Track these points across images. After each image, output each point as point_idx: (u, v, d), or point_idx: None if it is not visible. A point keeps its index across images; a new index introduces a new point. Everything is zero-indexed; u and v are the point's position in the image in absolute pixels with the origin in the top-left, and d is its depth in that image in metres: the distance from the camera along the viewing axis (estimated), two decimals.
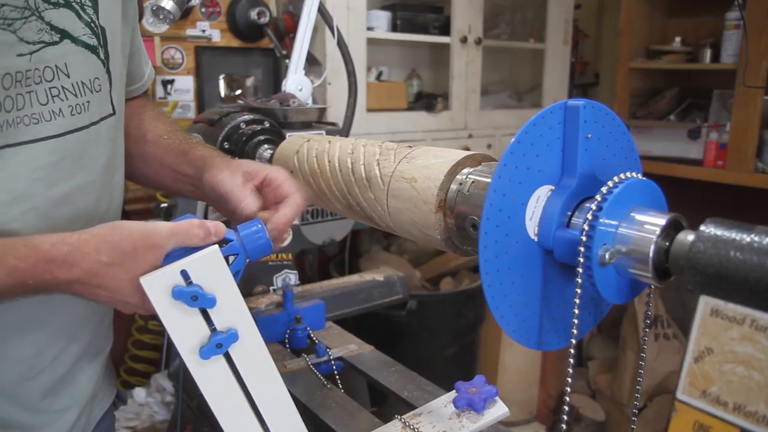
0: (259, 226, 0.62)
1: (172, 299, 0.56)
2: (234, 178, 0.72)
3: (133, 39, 0.79)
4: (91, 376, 0.77)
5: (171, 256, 0.58)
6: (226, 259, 0.60)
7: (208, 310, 0.58)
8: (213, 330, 0.59)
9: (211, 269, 0.58)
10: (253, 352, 0.61)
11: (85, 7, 0.65)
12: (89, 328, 0.75)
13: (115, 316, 0.82)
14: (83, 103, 0.66)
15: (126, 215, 0.66)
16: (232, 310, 0.59)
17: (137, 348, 2.08)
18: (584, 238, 0.52)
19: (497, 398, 0.83)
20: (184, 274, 0.56)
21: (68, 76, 0.64)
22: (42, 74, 0.61)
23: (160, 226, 0.58)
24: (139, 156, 0.84)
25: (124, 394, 0.91)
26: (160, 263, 0.57)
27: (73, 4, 0.64)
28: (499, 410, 0.81)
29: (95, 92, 0.68)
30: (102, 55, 0.68)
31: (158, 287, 0.56)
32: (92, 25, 0.66)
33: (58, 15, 0.62)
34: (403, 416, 0.80)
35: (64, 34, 0.63)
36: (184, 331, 0.58)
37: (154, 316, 0.58)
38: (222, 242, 0.60)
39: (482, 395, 0.81)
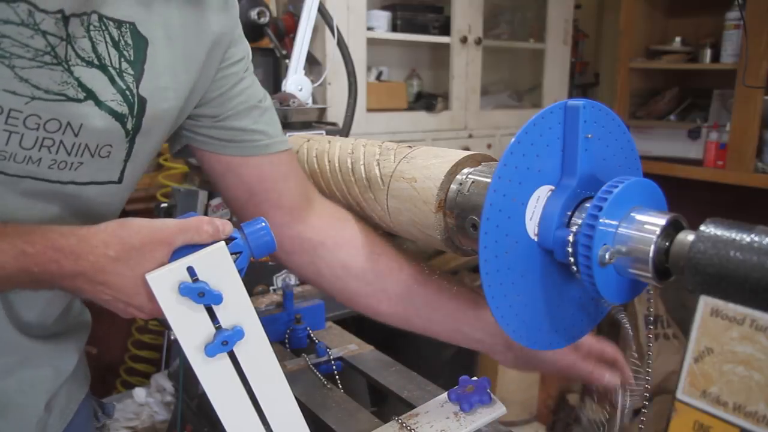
0: (263, 224, 0.63)
1: (179, 296, 0.56)
2: (566, 355, 0.75)
3: (235, 101, 0.75)
4: (20, 398, 0.69)
5: (176, 254, 0.58)
6: (232, 256, 0.60)
7: (214, 308, 0.58)
8: (218, 328, 0.59)
9: (218, 266, 0.58)
10: (257, 349, 0.61)
11: (124, 74, 0.62)
12: (17, 350, 0.68)
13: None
14: (72, 163, 0.62)
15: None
16: (238, 307, 0.59)
17: (137, 348, 2.08)
18: (584, 238, 0.52)
19: (494, 397, 0.83)
20: (191, 270, 0.56)
21: (75, 135, 0.60)
22: (42, 123, 0.58)
23: (168, 222, 0.58)
24: (392, 293, 0.77)
25: (111, 407, 0.86)
26: (168, 260, 0.57)
27: (109, 68, 0.61)
28: (496, 410, 0.82)
29: (98, 157, 0.64)
30: (130, 125, 0.64)
31: (165, 284, 0.56)
32: (126, 93, 0.62)
33: (90, 74, 0.60)
34: (400, 417, 0.80)
35: (91, 95, 0.60)
36: (190, 328, 0.58)
37: (153, 318, 0.58)
38: (227, 240, 0.60)
39: (474, 397, 0.81)
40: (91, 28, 0.60)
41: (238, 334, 0.59)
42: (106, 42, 0.61)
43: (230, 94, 0.75)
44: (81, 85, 0.60)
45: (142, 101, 0.64)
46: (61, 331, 0.74)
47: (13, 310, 0.66)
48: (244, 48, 0.76)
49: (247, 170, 0.77)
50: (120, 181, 0.68)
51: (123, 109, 0.63)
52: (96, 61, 0.60)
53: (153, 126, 0.67)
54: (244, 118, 0.76)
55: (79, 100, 0.60)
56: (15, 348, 0.68)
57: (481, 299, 0.75)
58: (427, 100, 2.32)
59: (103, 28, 0.61)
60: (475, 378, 0.85)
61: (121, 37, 0.62)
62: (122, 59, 0.62)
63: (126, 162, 0.67)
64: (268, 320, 1.09)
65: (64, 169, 0.62)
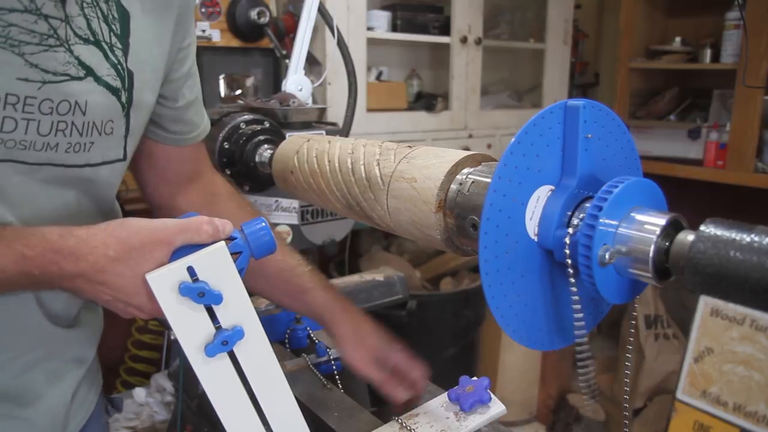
0: (263, 224, 0.63)
1: (179, 296, 0.56)
2: (362, 356, 0.83)
3: (188, 89, 0.79)
4: (48, 389, 0.70)
5: (176, 254, 0.58)
6: (232, 256, 0.60)
7: (214, 308, 0.58)
8: (218, 328, 0.59)
9: (218, 266, 0.58)
10: (257, 349, 0.61)
11: (115, 48, 0.64)
12: (45, 341, 0.69)
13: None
14: (84, 144, 0.64)
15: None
16: (238, 307, 0.59)
17: (137, 348, 2.08)
18: (584, 238, 0.52)
19: (494, 397, 0.83)
20: (191, 270, 0.56)
21: (83, 114, 0.62)
22: (55, 106, 0.60)
23: (168, 222, 0.58)
24: None
25: (120, 401, 0.87)
26: (167, 260, 0.57)
27: (102, 43, 0.63)
28: (496, 410, 0.82)
29: (104, 134, 0.66)
30: (123, 99, 0.66)
31: (165, 284, 0.56)
32: (118, 67, 0.65)
33: (87, 51, 0.62)
34: (400, 417, 0.81)
35: (90, 72, 0.62)
36: (190, 328, 0.58)
37: (153, 318, 0.58)
38: (226, 240, 0.60)
39: (474, 397, 0.81)
40: (85, 5, 0.62)
41: (238, 334, 0.59)
42: (98, 18, 0.63)
43: (184, 81, 0.78)
44: (81, 63, 0.62)
45: (131, 74, 0.67)
46: (82, 323, 0.75)
47: (43, 301, 0.67)
48: (193, 32, 0.79)
49: (166, 154, 0.83)
50: (125, 158, 0.71)
51: (117, 83, 0.65)
52: (91, 38, 0.62)
53: (141, 99, 0.69)
54: (189, 110, 0.81)
55: (80, 78, 0.62)
56: (44, 339, 0.69)
57: (308, 286, 0.87)
58: (427, 100, 2.32)
59: (94, 4, 0.63)
60: (475, 378, 0.85)
61: (109, 11, 0.64)
62: (112, 34, 0.64)
63: (126, 138, 0.70)
64: (268, 320, 1.09)
65: (79, 151, 0.64)
